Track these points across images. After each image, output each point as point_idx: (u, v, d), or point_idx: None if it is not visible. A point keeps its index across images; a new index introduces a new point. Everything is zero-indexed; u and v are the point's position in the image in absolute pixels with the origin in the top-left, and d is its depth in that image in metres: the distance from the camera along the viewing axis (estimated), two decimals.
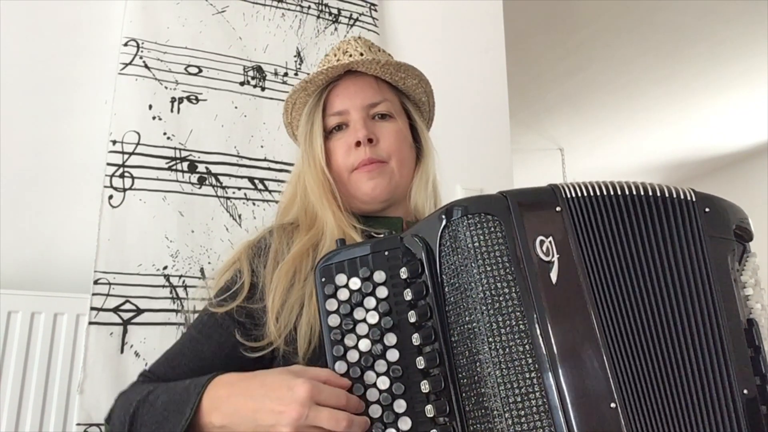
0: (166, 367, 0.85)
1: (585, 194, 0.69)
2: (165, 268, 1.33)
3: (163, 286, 1.32)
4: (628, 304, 0.66)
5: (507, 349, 0.62)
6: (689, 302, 0.67)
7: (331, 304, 0.70)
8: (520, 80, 3.73)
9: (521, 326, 0.63)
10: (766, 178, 5.16)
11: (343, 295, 0.71)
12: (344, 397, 0.65)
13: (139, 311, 1.28)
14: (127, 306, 1.27)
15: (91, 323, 1.23)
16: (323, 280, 0.72)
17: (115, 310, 1.26)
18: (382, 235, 0.88)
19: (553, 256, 0.65)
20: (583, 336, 0.63)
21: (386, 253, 0.72)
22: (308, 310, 0.81)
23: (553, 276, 0.65)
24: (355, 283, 0.71)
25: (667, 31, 3.35)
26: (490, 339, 0.63)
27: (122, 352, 1.25)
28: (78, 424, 1.18)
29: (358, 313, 0.70)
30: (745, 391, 0.65)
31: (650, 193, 0.70)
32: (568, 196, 0.69)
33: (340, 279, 0.71)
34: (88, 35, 1.43)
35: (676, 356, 0.65)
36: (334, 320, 0.70)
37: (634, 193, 0.70)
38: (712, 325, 0.67)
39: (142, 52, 1.42)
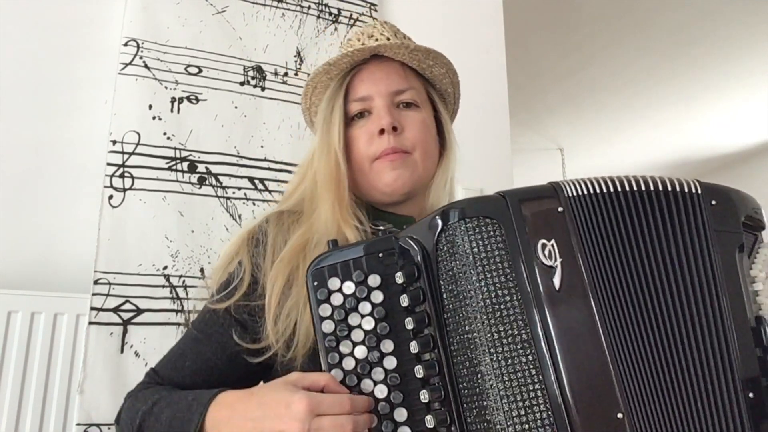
0: (170, 369, 0.84)
1: (587, 192, 0.66)
2: (165, 268, 1.33)
3: (163, 286, 1.32)
4: (633, 310, 0.63)
5: (509, 361, 0.60)
6: (695, 305, 0.64)
7: (325, 310, 0.68)
8: (520, 80, 3.73)
9: (524, 336, 0.61)
10: (766, 178, 5.15)
11: (336, 300, 0.68)
12: (347, 403, 0.63)
13: (139, 311, 1.28)
14: (127, 306, 1.27)
15: (91, 323, 1.23)
16: (315, 284, 0.68)
17: (115, 310, 1.26)
18: (376, 222, 0.86)
19: (555, 260, 0.63)
20: (589, 345, 0.61)
21: (380, 254, 0.68)
22: (305, 315, 0.78)
23: (556, 282, 0.62)
24: (349, 287, 0.68)
25: (667, 31, 3.35)
26: (492, 350, 0.61)
27: (122, 352, 1.25)
28: (78, 424, 1.18)
29: (353, 319, 0.67)
30: (750, 395, 0.63)
31: (652, 188, 0.67)
32: (571, 195, 0.66)
33: (333, 283, 0.68)
34: (88, 35, 1.43)
35: (682, 363, 0.63)
36: (328, 326, 0.67)
37: (635, 188, 0.67)
38: (718, 327, 0.64)
39: (142, 52, 1.42)
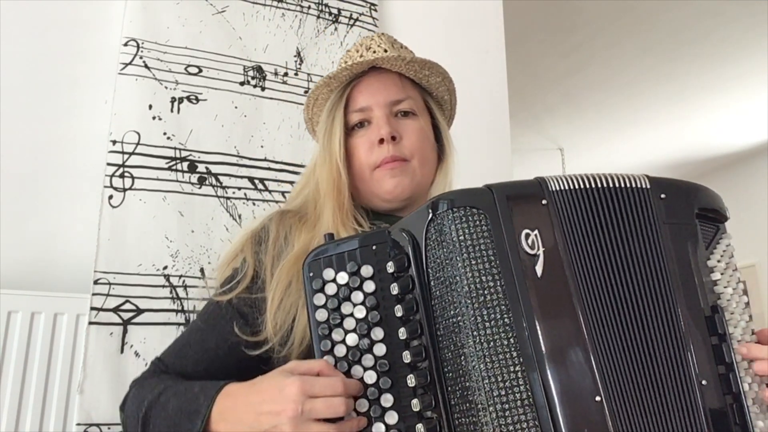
0: (175, 357, 0.88)
1: (569, 187, 0.70)
2: (165, 268, 1.33)
3: (163, 286, 1.32)
4: (608, 297, 0.67)
5: (492, 343, 0.63)
6: (651, 294, 0.68)
7: (319, 299, 0.71)
8: (520, 80, 3.73)
9: (506, 320, 0.63)
10: (766, 178, 5.16)
11: (330, 289, 0.71)
12: (339, 385, 0.65)
13: (139, 311, 1.28)
14: (127, 306, 1.27)
15: (91, 323, 1.23)
16: (311, 275, 0.72)
17: (115, 310, 1.26)
18: (379, 225, 0.90)
19: (538, 249, 0.66)
20: (568, 329, 0.63)
21: (374, 247, 0.72)
22: (302, 316, 0.82)
23: (539, 269, 0.65)
24: (343, 277, 0.71)
25: (667, 31, 3.35)
26: (475, 333, 0.63)
27: (122, 352, 1.25)
28: (78, 424, 1.18)
29: (346, 308, 0.70)
30: (704, 382, 0.66)
31: (611, 185, 0.71)
32: (554, 189, 0.69)
33: (328, 273, 0.71)
34: (88, 35, 1.43)
35: (647, 349, 0.66)
36: (321, 315, 0.70)
37: (605, 185, 0.71)
38: (670, 315, 0.67)
39: (142, 52, 1.42)
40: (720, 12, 3.17)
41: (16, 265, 1.27)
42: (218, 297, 0.88)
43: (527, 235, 0.66)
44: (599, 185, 0.70)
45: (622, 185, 0.71)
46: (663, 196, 0.72)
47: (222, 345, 0.87)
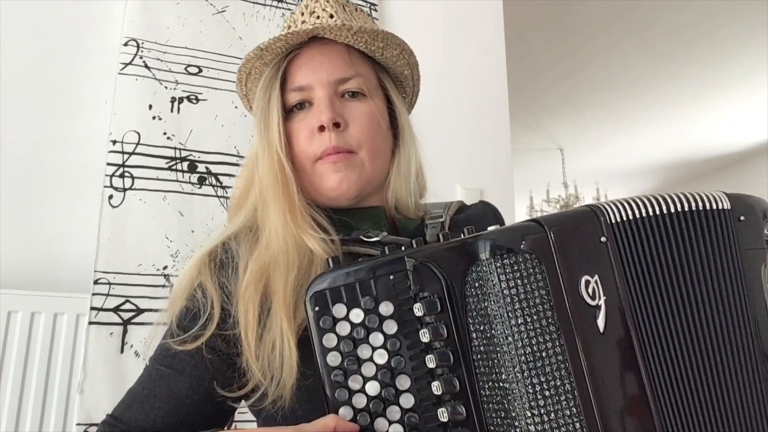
0: (137, 413, 0.71)
1: (630, 217, 0.59)
2: (165, 268, 1.33)
3: (163, 286, 1.32)
4: (676, 346, 0.58)
5: (552, 415, 0.54)
6: (734, 337, 0.59)
7: (330, 341, 0.60)
8: (520, 80, 3.73)
9: (567, 386, 0.54)
10: (766, 178, 5.16)
11: (343, 329, 0.61)
12: None
13: (139, 311, 1.28)
14: (127, 306, 1.27)
15: (91, 323, 1.23)
16: (317, 309, 0.61)
17: (115, 310, 1.26)
18: (367, 232, 0.76)
19: (599, 299, 0.56)
20: (634, 391, 0.56)
21: (391, 277, 0.61)
22: (286, 345, 0.68)
23: (600, 323, 0.56)
24: (357, 315, 0.61)
25: (667, 31, 3.35)
26: (533, 403, 0.54)
27: (122, 352, 1.25)
28: (78, 424, 1.18)
29: (363, 351, 0.60)
30: None
31: (686, 208, 0.60)
32: (613, 221, 0.59)
33: (339, 310, 0.61)
34: (88, 35, 1.43)
35: (724, 403, 0.58)
36: (334, 359, 0.60)
37: (673, 210, 0.60)
38: (752, 359, 0.59)
39: (142, 52, 1.42)
40: (720, 12, 3.17)
41: (16, 265, 1.27)
42: (181, 346, 0.71)
43: (587, 282, 0.56)
44: (671, 210, 0.60)
45: (701, 208, 0.60)
46: (742, 218, 0.62)
47: (197, 389, 0.71)
